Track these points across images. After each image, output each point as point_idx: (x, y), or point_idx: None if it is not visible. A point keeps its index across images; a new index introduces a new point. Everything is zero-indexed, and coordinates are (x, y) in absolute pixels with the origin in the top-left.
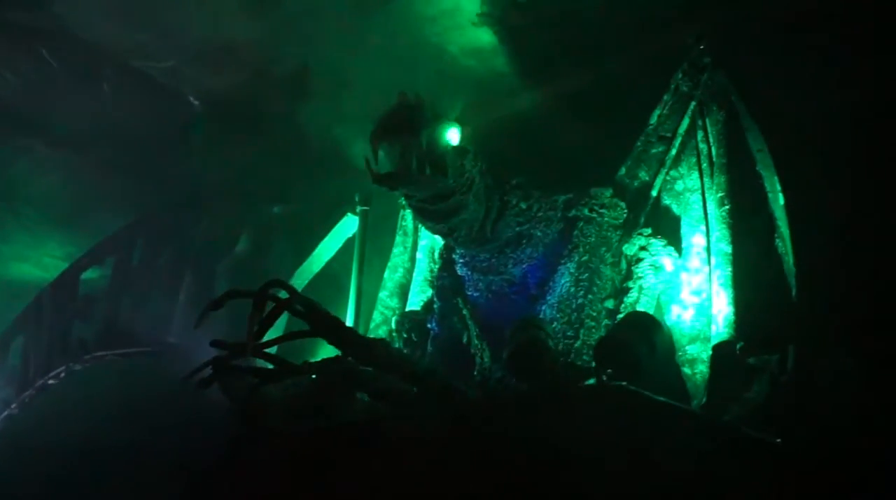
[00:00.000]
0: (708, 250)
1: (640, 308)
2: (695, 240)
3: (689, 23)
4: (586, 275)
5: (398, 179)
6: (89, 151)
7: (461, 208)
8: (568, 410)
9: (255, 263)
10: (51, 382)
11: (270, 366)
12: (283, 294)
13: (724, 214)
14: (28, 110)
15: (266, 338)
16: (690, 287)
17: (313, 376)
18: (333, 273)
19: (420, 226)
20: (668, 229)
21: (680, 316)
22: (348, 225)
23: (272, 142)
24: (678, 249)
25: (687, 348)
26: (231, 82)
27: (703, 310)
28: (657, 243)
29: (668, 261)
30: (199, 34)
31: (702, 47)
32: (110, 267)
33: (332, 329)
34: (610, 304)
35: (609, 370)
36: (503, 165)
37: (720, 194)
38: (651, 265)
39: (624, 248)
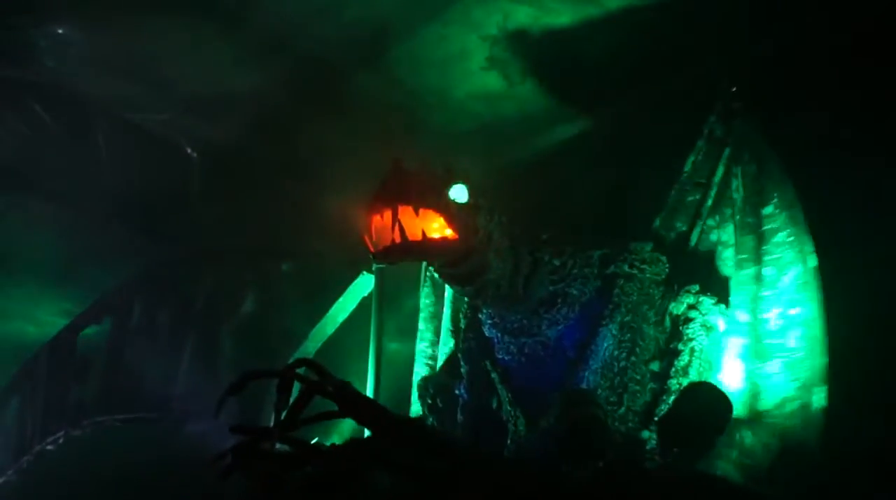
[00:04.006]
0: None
1: (692, 371)
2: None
3: (696, 64)
4: (629, 336)
5: (394, 253)
6: (84, 205)
7: (483, 268)
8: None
9: (262, 323)
10: (49, 447)
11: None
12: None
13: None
14: (21, 165)
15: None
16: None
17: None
18: (348, 334)
19: None
20: (709, 282)
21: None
22: (364, 284)
23: (277, 195)
24: (725, 303)
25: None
26: (230, 133)
27: (783, 369)
28: (708, 301)
29: (720, 320)
30: (195, 86)
31: (733, 90)
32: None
33: (366, 411)
34: (655, 366)
35: (675, 449)
36: (518, 215)
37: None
38: (703, 326)
39: (671, 306)
